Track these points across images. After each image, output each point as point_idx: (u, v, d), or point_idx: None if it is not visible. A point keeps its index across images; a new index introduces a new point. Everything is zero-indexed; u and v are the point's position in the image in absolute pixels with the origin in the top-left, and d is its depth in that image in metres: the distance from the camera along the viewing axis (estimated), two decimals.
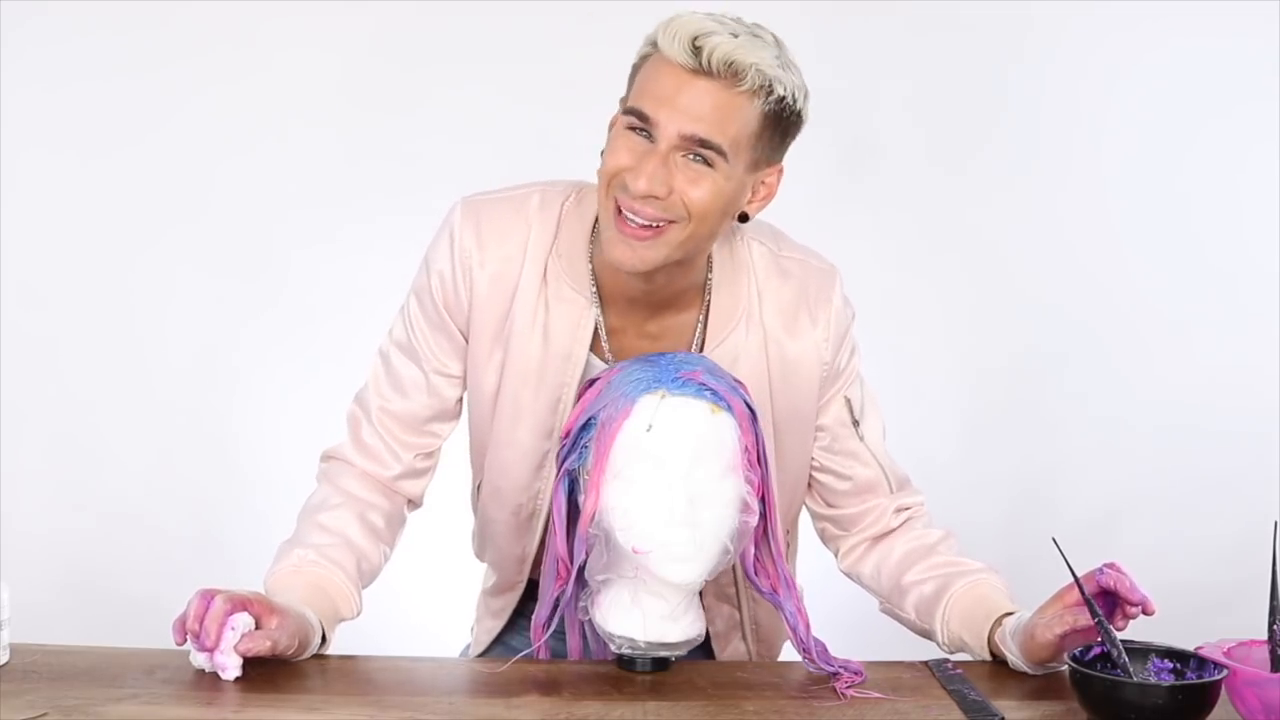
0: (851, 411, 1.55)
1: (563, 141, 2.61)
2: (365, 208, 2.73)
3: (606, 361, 1.48)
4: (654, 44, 1.34)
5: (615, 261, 1.37)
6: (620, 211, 1.36)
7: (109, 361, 2.76)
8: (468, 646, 1.73)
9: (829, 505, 1.59)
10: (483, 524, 1.62)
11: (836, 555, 1.62)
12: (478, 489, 1.61)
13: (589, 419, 1.35)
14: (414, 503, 1.58)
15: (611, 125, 1.41)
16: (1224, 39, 2.75)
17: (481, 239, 1.47)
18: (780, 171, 1.42)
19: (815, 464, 1.57)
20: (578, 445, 1.36)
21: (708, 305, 1.49)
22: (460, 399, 1.56)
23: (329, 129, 2.74)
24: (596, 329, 1.47)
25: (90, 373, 2.76)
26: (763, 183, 1.41)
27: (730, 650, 1.63)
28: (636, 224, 1.35)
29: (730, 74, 1.30)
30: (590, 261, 1.47)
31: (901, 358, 2.61)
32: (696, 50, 1.30)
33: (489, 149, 2.64)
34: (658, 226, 1.35)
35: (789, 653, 1.41)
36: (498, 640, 1.67)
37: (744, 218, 1.43)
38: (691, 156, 1.33)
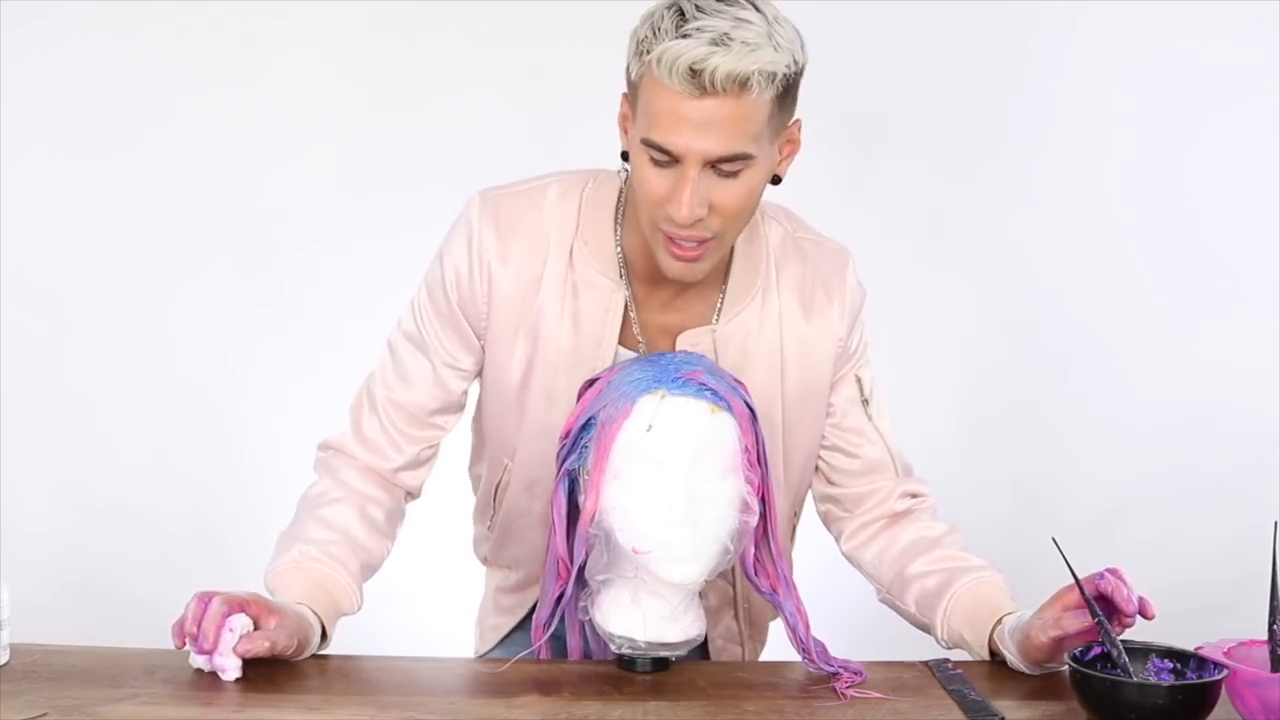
0: (861, 390, 1.57)
1: (564, 138, 2.64)
2: (365, 206, 2.73)
3: (638, 338, 1.49)
4: (648, 65, 1.30)
5: (676, 277, 1.40)
6: (668, 237, 1.36)
7: (109, 361, 2.76)
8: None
9: (834, 484, 1.60)
10: (508, 520, 1.60)
11: (838, 539, 1.62)
12: (496, 487, 1.60)
13: (589, 419, 1.35)
14: (412, 494, 1.58)
15: (621, 123, 1.40)
16: (1226, 39, 2.75)
17: (501, 233, 1.47)
18: (799, 124, 1.41)
19: (823, 442, 1.58)
20: (578, 445, 1.36)
21: (728, 280, 1.50)
22: (465, 392, 1.56)
23: (328, 129, 2.74)
24: (625, 310, 1.48)
25: (90, 372, 2.76)
26: (787, 141, 1.40)
27: (722, 628, 1.63)
28: (686, 245, 1.36)
29: (736, 88, 1.29)
30: (619, 244, 1.48)
31: (902, 356, 2.61)
32: (695, 74, 1.27)
33: (490, 147, 2.64)
34: (704, 241, 1.36)
35: (789, 653, 1.41)
36: (509, 636, 1.67)
37: (776, 180, 1.42)
38: (721, 171, 1.33)
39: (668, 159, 1.32)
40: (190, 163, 2.72)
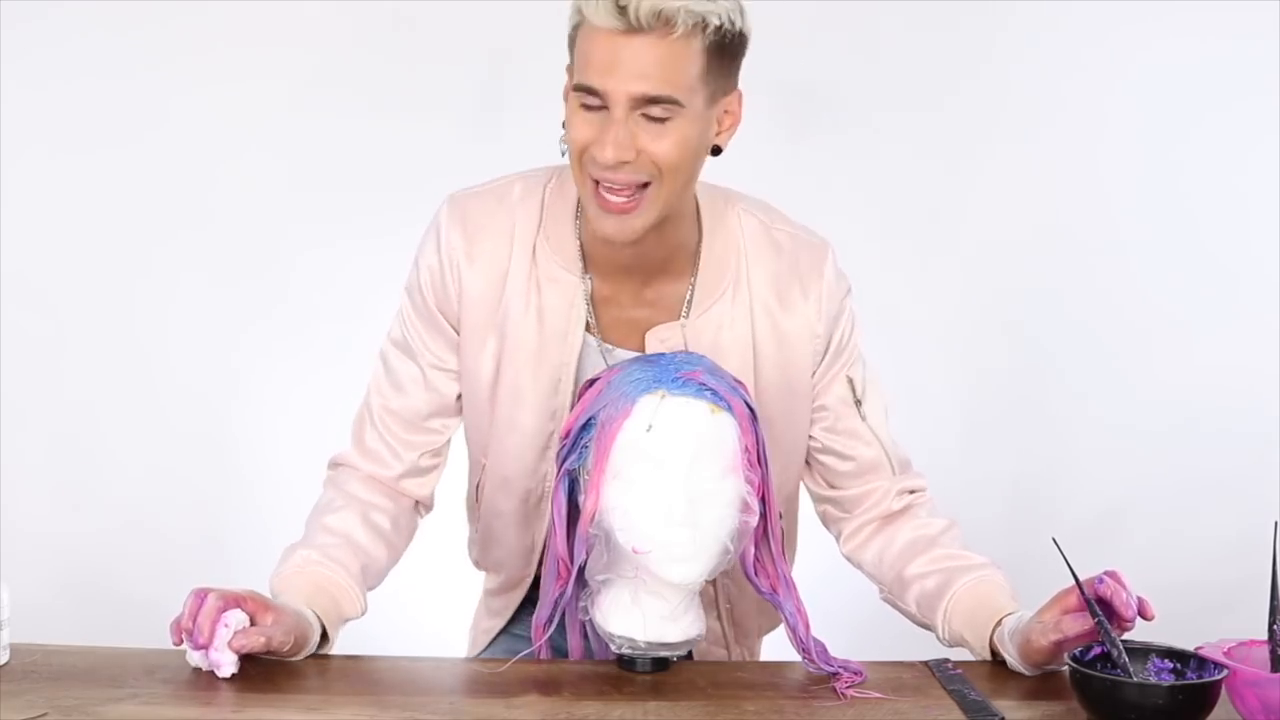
0: (854, 390, 1.55)
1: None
2: (366, 209, 2.73)
3: (599, 336, 1.49)
4: (580, 12, 1.33)
5: (605, 236, 1.39)
6: (598, 186, 1.37)
7: (110, 362, 2.76)
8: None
9: (830, 486, 1.59)
10: (487, 521, 1.61)
11: (838, 539, 1.61)
12: (477, 488, 1.61)
13: (589, 419, 1.35)
14: (423, 504, 1.58)
15: (565, 96, 1.41)
16: (1226, 39, 2.75)
17: (468, 233, 1.49)
18: (739, 96, 1.42)
19: (817, 444, 1.57)
20: (578, 445, 1.36)
21: (697, 273, 1.49)
22: (459, 394, 1.56)
23: (329, 129, 2.74)
24: (589, 305, 1.48)
25: (91, 373, 2.76)
26: (726, 112, 1.41)
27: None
28: (617, 197, 1.36)
29: (661, 24, 1.30)
30: (579, 238, 1.48)
31: (901, 357, 2.60)
32: (622, 10, 1.29)
33: (494, 148, 2.63)
34: (636, 192, 1.36)
35: (789, 653, 1.41)
36: (497, 638, 1.67)
37: (716, 150, 1.43)
38: (650, 115, 1.33)
39: (597, 102, 1.33)
40: (190, 163, 2.72)
